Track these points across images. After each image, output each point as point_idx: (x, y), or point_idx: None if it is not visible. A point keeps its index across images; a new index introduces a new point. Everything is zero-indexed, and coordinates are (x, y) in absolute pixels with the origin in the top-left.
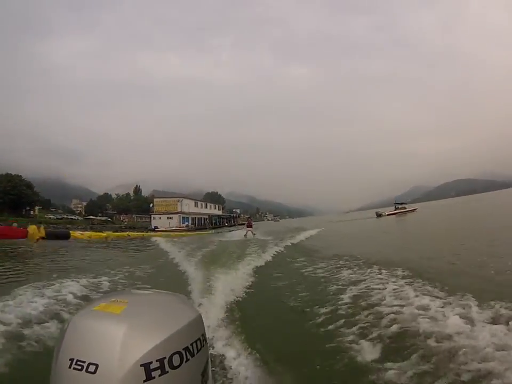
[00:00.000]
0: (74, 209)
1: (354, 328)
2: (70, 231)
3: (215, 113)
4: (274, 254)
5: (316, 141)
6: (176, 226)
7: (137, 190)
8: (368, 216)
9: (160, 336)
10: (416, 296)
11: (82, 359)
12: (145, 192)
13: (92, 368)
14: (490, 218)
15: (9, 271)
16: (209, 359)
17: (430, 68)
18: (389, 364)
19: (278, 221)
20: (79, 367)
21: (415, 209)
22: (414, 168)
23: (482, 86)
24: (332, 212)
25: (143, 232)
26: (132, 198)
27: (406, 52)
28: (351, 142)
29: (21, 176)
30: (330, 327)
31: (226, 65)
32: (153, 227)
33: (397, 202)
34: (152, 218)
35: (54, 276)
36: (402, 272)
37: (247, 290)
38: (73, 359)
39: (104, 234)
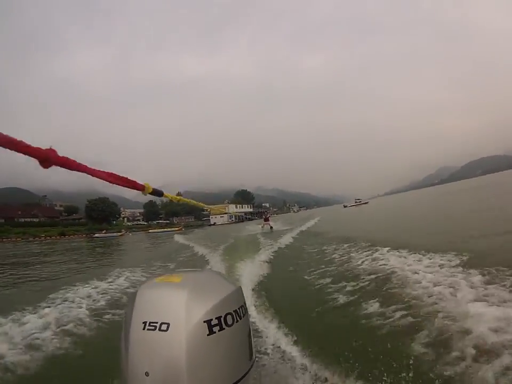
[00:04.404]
0: (127, 216)
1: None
2: None
3: (235, 108)
4: (287, 243)
5: (341, 130)
6: (227, 221)
7: (179, 195)
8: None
9: (215, 299)
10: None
11: (154, 321)
12: (173, 193)
13: (164, 327)
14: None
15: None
16: (250, 325)
17: (450, 42)
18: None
19: (297, 212)
20: (153, 327)
21: (367, 202)
22: (440, 149)
23: (507, 60)
24: (360, 198)
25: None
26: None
27: (424, 28)
28: (376, 128)
29: (108, 198)
30: (335, 295)
31: (243, 59)
32: (212, 223)
33: (356, 198)
34: (210, 217)
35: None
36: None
37: (267, 272)
38: (146, 321)
39: None
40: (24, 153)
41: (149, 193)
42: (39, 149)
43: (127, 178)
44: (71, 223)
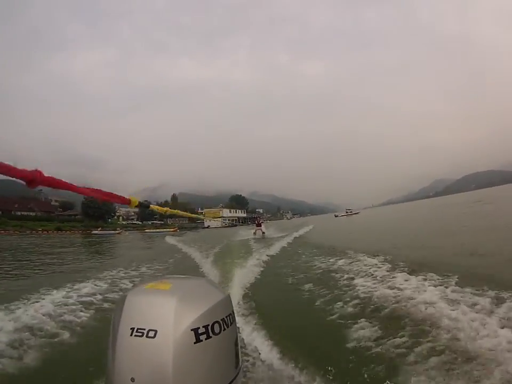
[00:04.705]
0: (121, 215)
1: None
2: None
3: (235, 113)
4: (277, 250)
5: (340, 138)
6: (220, 225)
7: (175, 197)
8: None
9: (203, 307)
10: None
11: (142, 327)
12: (169, 194)
13: (151, 334)
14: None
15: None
16: (238, 333)
17: (448, 54)
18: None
19: (290, 219)
20: (140, 334)
21: (358, 213)
22: (437, 161)
23: (502, 74)
24: (355, 208)
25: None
26: (170, 204)
27: (422, 40)
28: (376, 137)
29: None
30: (320, 303)
31: (242, 66)
32: (206, 225)
33: (347, 209)
34: (205, 220)
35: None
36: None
37: (256, 278)
38: (134, 327)
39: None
40: (11, 176)
41: (135, 206)
42: (25, 170)
43: (112, 193)
44: (67, 218)
